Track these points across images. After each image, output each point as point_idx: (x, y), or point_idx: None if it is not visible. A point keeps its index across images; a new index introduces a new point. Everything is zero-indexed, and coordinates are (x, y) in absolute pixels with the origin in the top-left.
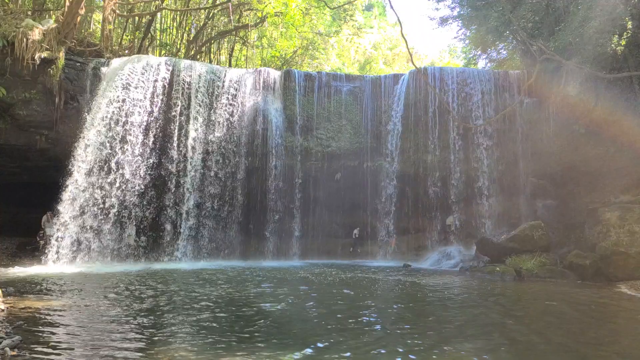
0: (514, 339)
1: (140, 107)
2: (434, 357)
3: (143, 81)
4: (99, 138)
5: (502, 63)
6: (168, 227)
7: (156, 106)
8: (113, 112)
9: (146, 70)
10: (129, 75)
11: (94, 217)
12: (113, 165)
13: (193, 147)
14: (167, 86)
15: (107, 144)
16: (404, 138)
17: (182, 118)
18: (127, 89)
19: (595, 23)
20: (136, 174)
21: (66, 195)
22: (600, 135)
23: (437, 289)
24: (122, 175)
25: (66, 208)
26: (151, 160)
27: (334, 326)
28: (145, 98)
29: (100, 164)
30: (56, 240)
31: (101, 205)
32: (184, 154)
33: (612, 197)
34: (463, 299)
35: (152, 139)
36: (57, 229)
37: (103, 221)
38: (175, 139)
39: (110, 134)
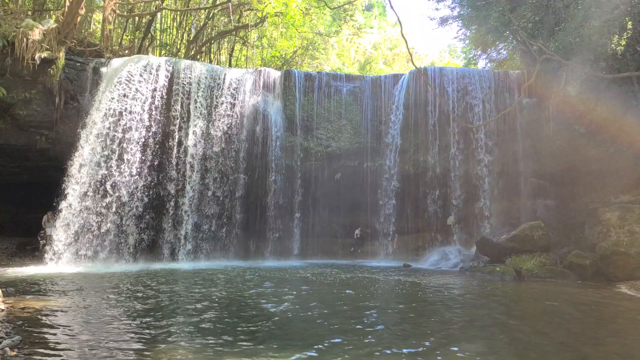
0: (515, 339)
1: (138, 122)
2: (439, 358)
3: (141, 92)
4: (94, 157)
5: (502, 63)
6: (166, 252)
7: (154, 120)
8: (109, 127)
9: (144, 79)
10: (126, 84)
11: (89, 244)
12: (109, 187)
13: (192, 165)
14: (165, 97)
15: (103, 164)
16: (404, 138)
17: (182, 133)
18: (124, 102)
19: (595, 23)
20: (134, 196)
21: (59, 222)
22: (600, 135)
23: (438, 289)
24: (119, 198)
25: (60, 235)
26: (149, 179)
27: (337, 327)
28: (143, 111)
29: (95, 185)
30: (53, 255)
31: (96, 232)
32: (182, 173)
33: (612, 197)
34: (464, 299)
35: (150, 156)
36: (53, 251)
37: (99, 248)
38: (174, 156)
39: (106, 153)
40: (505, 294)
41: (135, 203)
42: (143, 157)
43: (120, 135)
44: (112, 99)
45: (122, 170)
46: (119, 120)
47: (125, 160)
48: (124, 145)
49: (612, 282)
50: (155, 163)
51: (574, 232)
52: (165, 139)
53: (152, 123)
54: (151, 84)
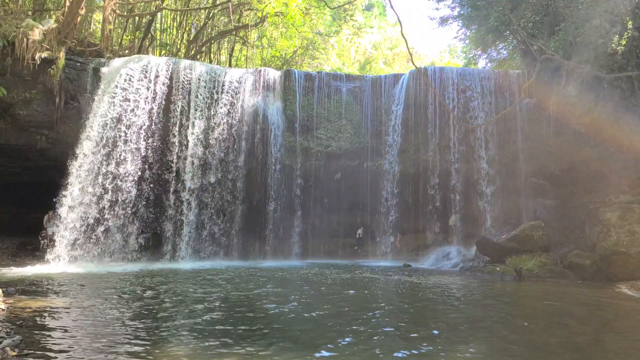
0: (516, 339)
1: (132, 153)
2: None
3: (137, 114)
4: (85, 197)
5: (502, 63)
6: (167, 251)
7: (150, 147)
8: (101, 162)
9: (140, 96)
10: (120, 106)
11: (90, 246)
12: (100, 234)
13: (189, 202)
14: (162, 120)
15: (94, 205)
16: (404, 138)
17: (179, 164)
18: (117, 129)
19: (595, 22)
20: (129, 238)
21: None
22: (600, 135)
23: (440, 289)
24: (112, 243)
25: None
26: (145, 216)
27: (342, 328)
28: (140, 137)
29: (88, 233)
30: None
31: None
32: (180, 211)
33: (613, 197)
34: (465, 299)
35: (146, 192)
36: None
37: (100, 248)
38: (171, 192)
39: (99, 190)
40: (506, 294)
41: (132, 244)
42: (139, 192)
43: (114, 169)
44: (105, 124)
45: (116, 213)
46: (112, 152)
47: (119, 201)
48: (118, 182)
49: (612, 282)
50: (152, 197)
51: (574, 232)
52: (163, 166)
53: (149, 153)
54: (148, 103)
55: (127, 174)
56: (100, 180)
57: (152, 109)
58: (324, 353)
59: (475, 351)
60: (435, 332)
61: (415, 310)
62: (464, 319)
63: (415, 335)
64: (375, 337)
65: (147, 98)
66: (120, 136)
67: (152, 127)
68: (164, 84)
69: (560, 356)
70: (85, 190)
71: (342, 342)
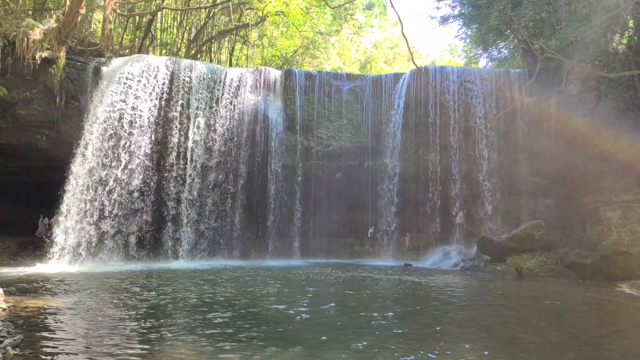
0: (515, 338)
1: (132, 153)
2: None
3: (137, 114)
4: (85, 198)
5: (503, 62)
6: (167, 250)
7: (150, 147)
8: (102, 162)
9: (138, 103)
10: (121, 102)
11: (90, 245)
12: (101, 234)
13: (189, 202)
14: (162, 118)
15: (95, 206)
16: (404, 137)
17: (180, 164)
18: (118, 129)
19: (596, 22)
20: (130, 238)
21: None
22: (601, 134)
23: (441, 289)
24: (113, 243)
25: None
26: (146, 215)
27: (345, 328)
28: (140, 137)
29: (88, 233)
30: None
31: None
32: (181, 211)
33: (614, 196)
34: (466, 299)
35: (147, 191)
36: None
37: (100, 248)
38: (172, 192)
39: (99, 191)
40: (507, 293)
41: (132, 245)
42: (139, 192)
43: (114, 170)
44: (106, 124)
45: (116, 211)
46: (112, 151)
47: (120, 201)
48: (118, 182)
49: (613, 281)
50: (152, 198)
51: (574, 231)
52: (162, 171)
53: (149, 152)
54: (149, 102)
55: (127, 174)
56: (100, 180)
57: (153, 108)
58: (329, 353)
59: (477, 351)
60: (438, 332)
61: (417, 311)
62: (465, 319)
63: (417, 336)
64: (380, 338)
65: (147, 98)
66: (120, 136)
67: (153, 126)
68: (164, 83)
69: (561, 355)
70: (86, 190)
71: (347, 343)
